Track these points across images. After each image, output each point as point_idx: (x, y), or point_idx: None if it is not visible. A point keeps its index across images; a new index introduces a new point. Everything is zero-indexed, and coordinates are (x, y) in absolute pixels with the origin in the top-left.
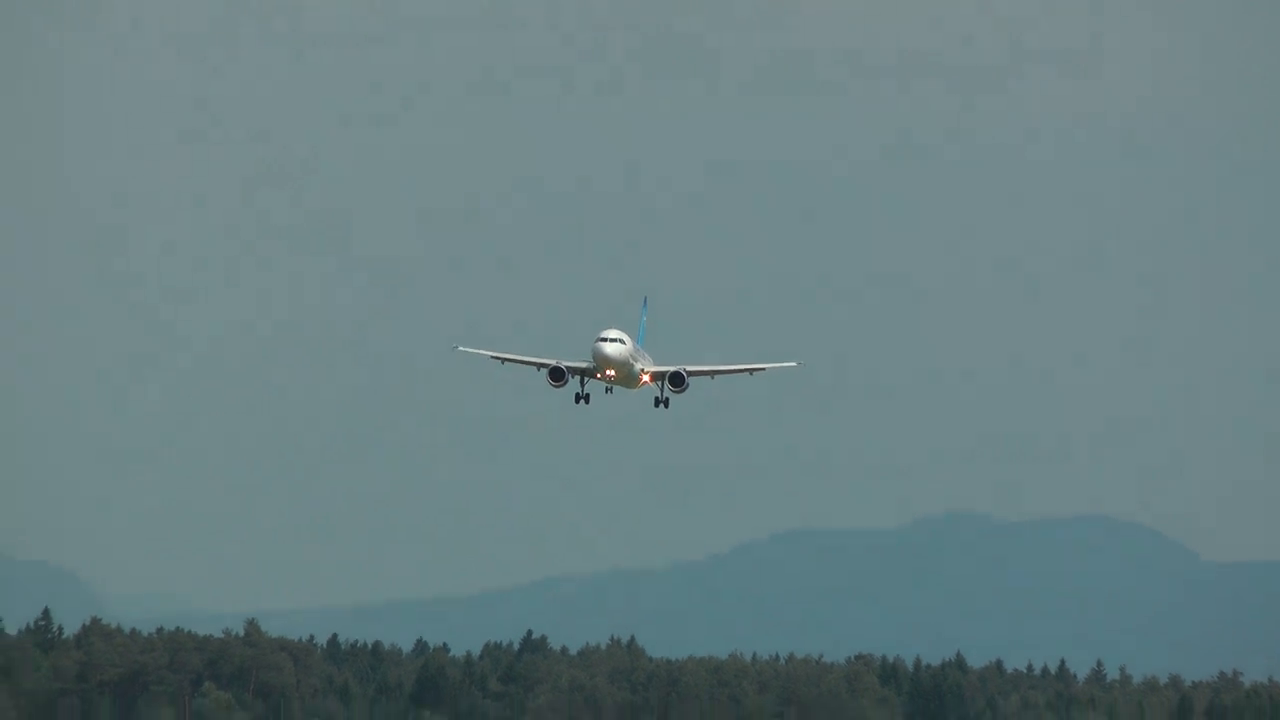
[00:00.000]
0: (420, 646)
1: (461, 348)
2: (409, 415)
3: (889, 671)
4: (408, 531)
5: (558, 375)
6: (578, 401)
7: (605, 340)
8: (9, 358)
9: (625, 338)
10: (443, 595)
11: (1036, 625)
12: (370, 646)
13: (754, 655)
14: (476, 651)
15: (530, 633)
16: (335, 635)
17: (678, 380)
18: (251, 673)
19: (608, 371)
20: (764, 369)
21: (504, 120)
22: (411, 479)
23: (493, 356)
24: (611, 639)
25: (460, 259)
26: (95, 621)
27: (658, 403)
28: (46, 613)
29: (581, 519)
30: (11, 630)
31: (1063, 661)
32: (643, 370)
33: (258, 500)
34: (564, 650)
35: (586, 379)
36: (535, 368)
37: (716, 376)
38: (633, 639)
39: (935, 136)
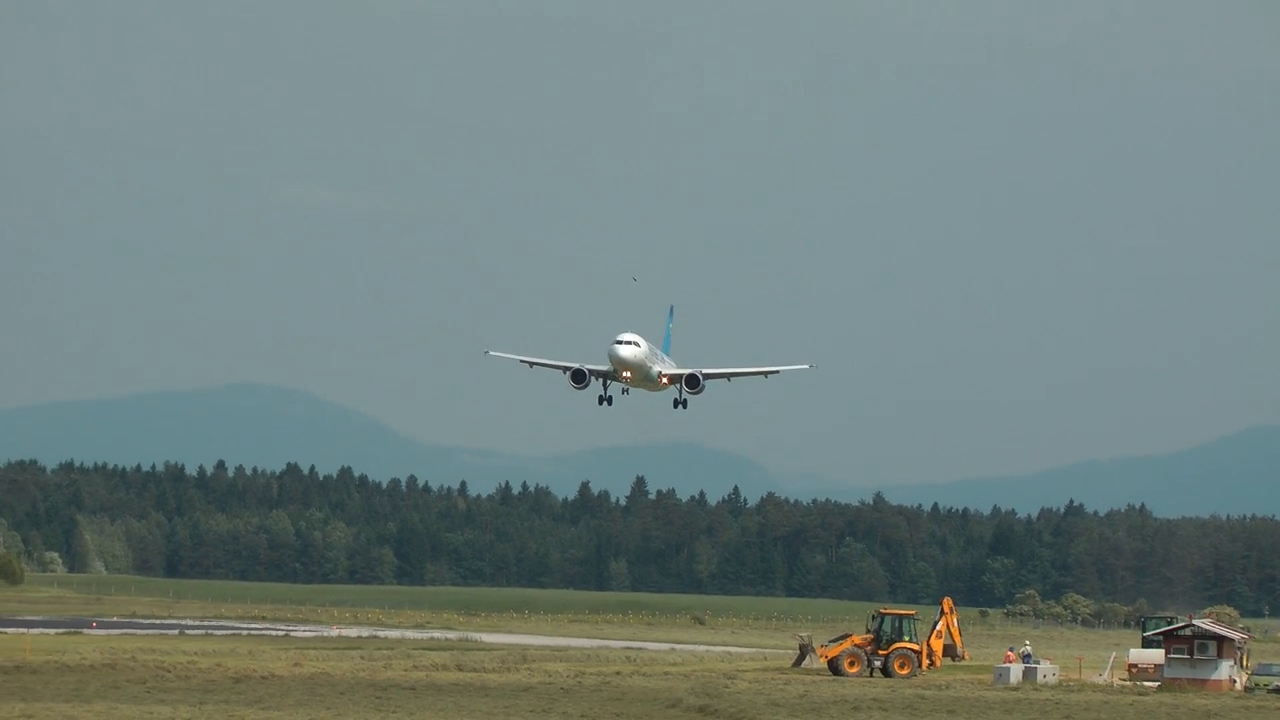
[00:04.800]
0: (995, 511)
1: (492, 352)
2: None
3: None
4: (983, 426)
5: (579, 377)
6: (601, 403)
7: (620, 343)
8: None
9: (640, 340)
10: (1010, 475)
11: None
12: (961, 511)
13: (1227, 515)
14: (1035, 514)
15: (1072, 501)
16: (936, 503)
17: (693, 382)
18: (878, 530)
19: (624, 373)
20: (778, 371)
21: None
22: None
23: (521, 360)
24: (1127, 505)
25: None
26: (770, 495)
27: (676, 404)
28: (736, 489)
29: (1105, 419)
30: (712, 502)
31: None
32: (661, 373)
33: (880, 398)
34: (1095, 513)
35: (608, 382)
36: (560, 370)
37: (732, 379)
38: (1143, 505)
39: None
